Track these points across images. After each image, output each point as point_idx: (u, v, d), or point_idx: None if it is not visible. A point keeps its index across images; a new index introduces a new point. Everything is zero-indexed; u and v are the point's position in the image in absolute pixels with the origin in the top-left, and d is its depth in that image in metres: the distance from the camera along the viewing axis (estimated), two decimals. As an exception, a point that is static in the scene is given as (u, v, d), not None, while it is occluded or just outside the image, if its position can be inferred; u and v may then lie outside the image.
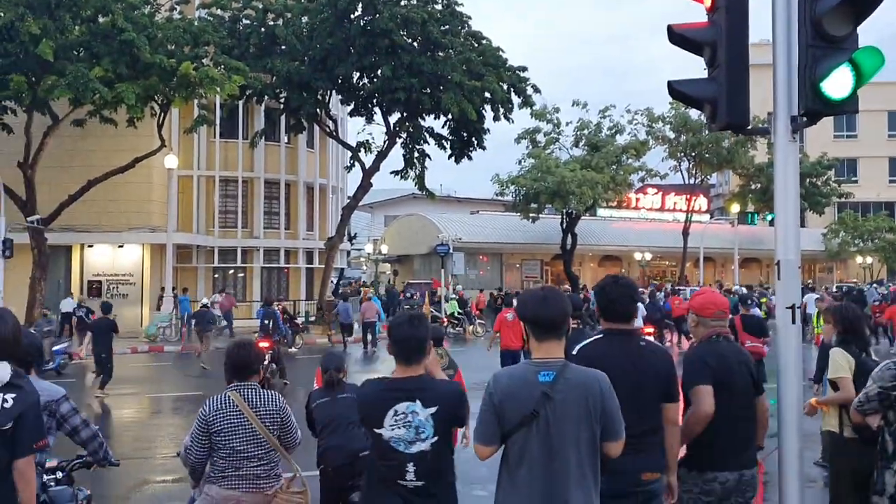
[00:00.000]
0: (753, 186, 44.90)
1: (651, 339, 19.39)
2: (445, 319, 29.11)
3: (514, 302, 17.63)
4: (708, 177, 47.92)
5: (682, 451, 4.08)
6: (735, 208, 44.45)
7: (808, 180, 44.29)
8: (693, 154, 42.06)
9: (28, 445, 3.37)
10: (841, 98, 3.99)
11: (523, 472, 3.16)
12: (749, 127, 4.52)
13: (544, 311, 3.29)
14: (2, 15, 21.00)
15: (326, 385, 5.69)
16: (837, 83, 3.96)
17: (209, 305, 23.32)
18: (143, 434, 11.42)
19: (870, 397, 4.26)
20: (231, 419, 4.38)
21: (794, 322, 4.23)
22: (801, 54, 4.02)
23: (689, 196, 43.82)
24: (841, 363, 5.00)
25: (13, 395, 3.32)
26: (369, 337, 23.29)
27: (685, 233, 42.25)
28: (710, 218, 49.54)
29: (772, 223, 47.56)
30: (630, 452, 3.60)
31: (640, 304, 21.36)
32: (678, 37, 4.36)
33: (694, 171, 43.53)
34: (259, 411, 4.42)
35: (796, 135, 4.11)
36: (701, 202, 46.05)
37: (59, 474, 4.43)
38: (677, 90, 4.37)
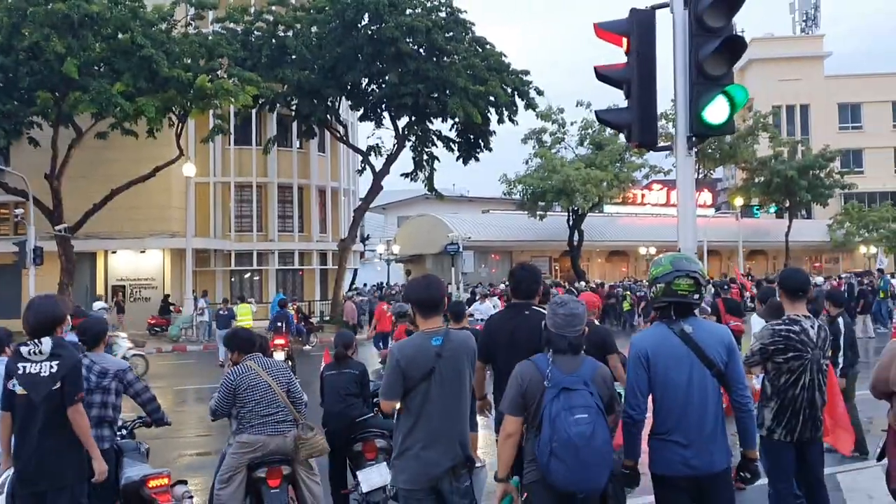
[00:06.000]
0: (757, 180, 45.58)
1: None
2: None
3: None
4: (712, 171, 48.54)
5: None
6: (739, 202, 45.23)
7: (811, 172, 44.99)
8: (696, 149, 42.59)
9: (72, 397, 4.55)
10: (719, 123, 5.09)
11: (424, 414, 4.12)
12: (658, 145, 5.61)
13: (427, 295, 4.30)
14: (28, 35, 22.10)
15: (335, 359, 6.84)
16: (716, 112, 5.05)
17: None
18: (174, 419, 12.60)
19: (753, 352, 5.17)
20: (251, 380, 5.63)
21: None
22: (691, 90, 5.10)
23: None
24: None
25: (56, 363, 4.50)
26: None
27: (689, 227, 42.86)
28: (715, 212, 50.29)
29: (777, 215, 48.70)
30: None
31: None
32: (602, 75, 5.45)
33: (698, 167, 44.16)
34: (271, 372, 5.72)
35: (692, 151, 5.19)
36: (705, 197, 46.80)
37: (124, 431, 5.60)
38: (602, 118, 5.46)
